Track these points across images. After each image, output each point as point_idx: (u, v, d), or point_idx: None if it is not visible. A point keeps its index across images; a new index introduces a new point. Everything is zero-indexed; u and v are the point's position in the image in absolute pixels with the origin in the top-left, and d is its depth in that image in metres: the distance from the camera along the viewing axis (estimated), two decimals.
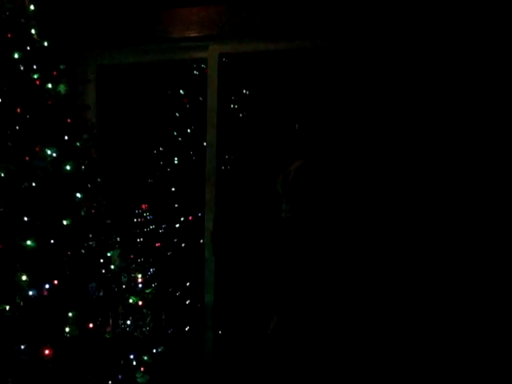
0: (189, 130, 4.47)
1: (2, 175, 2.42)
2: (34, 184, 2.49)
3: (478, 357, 2.98)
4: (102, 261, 2.75)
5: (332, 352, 2.76)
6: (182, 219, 4.44)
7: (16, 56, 2.60)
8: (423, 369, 3.06)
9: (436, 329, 3.06)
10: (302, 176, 2.78)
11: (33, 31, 2.73)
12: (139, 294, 2.93)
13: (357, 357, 2.88)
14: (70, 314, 2.41)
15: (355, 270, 2.90)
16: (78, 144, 2.79)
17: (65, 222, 2.55)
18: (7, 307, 2.27)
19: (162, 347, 2.95)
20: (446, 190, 3.04)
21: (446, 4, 3.02)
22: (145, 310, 2.93)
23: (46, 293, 2.38)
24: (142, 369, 2.72)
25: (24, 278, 2.32)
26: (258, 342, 2.97)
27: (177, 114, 4.46)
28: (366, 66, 3.19)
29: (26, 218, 2.43)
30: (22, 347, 2.21)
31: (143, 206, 4.41)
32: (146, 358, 2.79)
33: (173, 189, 4.49)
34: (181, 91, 4.45)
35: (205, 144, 3.71)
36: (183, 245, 4.40)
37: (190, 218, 4.41)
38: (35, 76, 2.66)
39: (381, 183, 3.12)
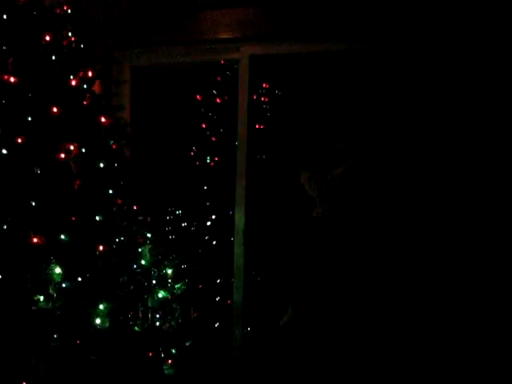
0: (221, 130, 4.53)
1: (39, 172, 2.52)
2: (69, 181, 2.58)
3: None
4: (132, 256, 2.82)
5: (342, 347, 2.81)
6: (213, 217, 4.51)
7: (53, 57, 2.70)
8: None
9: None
10: (344, 183, 2.87)
11: (69, 33, 2.83)
12: (169, 289, 2.99)
13: (366, 352, 2.91)
14: (101, 307, 2.50)
15: (372, 271, 2.93)
16: (111, 142, 2.88)
17: (97, 218, 2.64)
18: (41, 298, 2.37)
19: (189, 341, 3.02)
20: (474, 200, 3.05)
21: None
22: (174, 305, 3.00)
23: (78, 285, 2.47)
24: (169, 361, 2.80)
25: (58, 270, 2.42)
26: (271, 334, 3.03)
27: (209, 114, 4.53)
28: (399, 71, 3.20)
29: (61, 213, 2.52)
30: (55, 336, 2.31)
31: (175, 204, 4.49)
32: (173, 351, 2.86)
33: (204, 187, 4.55)
34: (213, 91, 4.52)
35: (236, 143, 3.78)
36: (214, 242, 4.47)
37: (221, 216, 4.48)
38: (71, 77, 2.75)
39: (411, 192, 3.13)
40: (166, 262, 3.08)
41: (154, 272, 2.94)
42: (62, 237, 2.48)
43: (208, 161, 4.58)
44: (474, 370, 2.99)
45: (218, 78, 4.45)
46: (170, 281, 3.03)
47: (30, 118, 2.54)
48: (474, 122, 3.06)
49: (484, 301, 3.02)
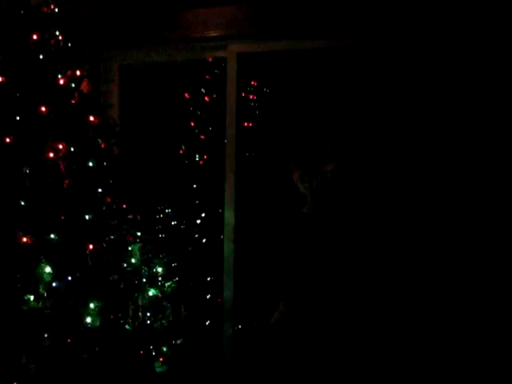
0: (209, 128, 4.53)
1: (28, 171, 2.51)
2: (57, 180, 2.58)
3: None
4: (123, 254, 2.82)
5: (333, 342, 2.83)
6: (203, 215, 4.51)
7: (41, 57, 2.69)
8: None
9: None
10: (335, 180, 2.90)
11: (57, 32, 2.82)
12: (159, 287, 3.00)
13: (358, 348, 2.93)
14: (92, 305, 2.50)
15: (364, 267, 2.95)
16: (100, 141, 2.87)
17: (87, 217, 2.64)
18: (31, 297, 2.37)
19: (181, 339, 3.03)
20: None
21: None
22: (164, 303, 3.00)
23: (68, 284, 2.47)
24: (160, 359, 2.80)
25: (48, 269, 2.41)
26: (262, 331, 3.04)
27: (198, 112, 4.53)
28: (386, 68, 3.22)
29: (49, 212, 2.52)
30: (45, 335, 2.31)
31: (165, 202, 4.49)
32: (165, 349, 2.87)
33: (194, 185, 4.56)
34: (201, 89, 4.51)
35: (225, 141, 3.79)
36: (204, 240, 4.47)
37: (211, 214, 4.48)
38: (59, 76, 2.75)
39: (404, 189, 3.15)
40: (156, 261, 3.09)
41: (145, 270, 2.95)
42: (52, 236, 2.48)
43: (197, 159, 4.58)
44: (472, 370, 3.01)
45: (206, 76, 4.44)
46: (160, 279, 3.04)
47: (18, 118, 2.53)
48: (464, 119, 3.08)
49: (480, 298, 3.03)
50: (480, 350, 3.01)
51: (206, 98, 4.50)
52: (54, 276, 2.43)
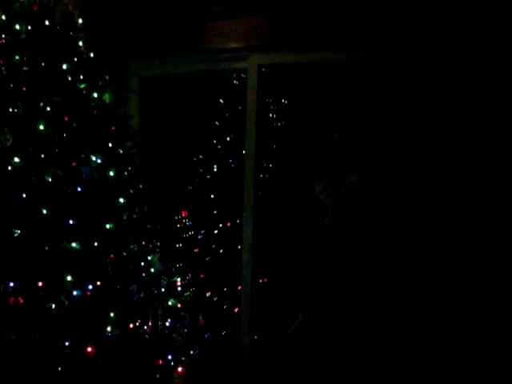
0: (228, 139, 4.55)
1: (50, 180, 2.54)
2: (79, 189, 2.60)
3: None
4: (142, 264, 2.83)
5: (352, 354, 2.81)
6: (221, 225, 4.52)
7: (64, 67, 2.73)
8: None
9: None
10: (358, 191, 2.89)
11: (80, 43, 2.87)
12: (178, 297, 3.01)
13: (374, 358, 2.91)
14: (112, 314, 2.51)
15: (384, 279, 2.93)
16: (121, 151, 2.90)
17: (108, 226, 2.66)
18: (53, 305, 2.38)
19: (199, 349, 3.03)
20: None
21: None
22: (183, 313, 3.01)
23: (89, 293, 2.49)
24: (179, 369, 2.80)
25: (69, 278, 2.43)
26: (280, 341, 3.04)
27: (216, 123, 4.55)
28: (406, 79, 3.22)
29: (71, 222, 2.54)
30: (67, 344, 2.32)
31: (183, 213, 4.51)
32: (183, 358, 2.87)
33: (212, 196, 4.57)
34: (221, 100, 4.54)
35: (244, 152, 3.80)
36: (221, 251, 4.48)
37: (228, 224, 4.49)
38: (82, 86, 2.78)
39: (421, 200, 3.14)
40: (174, 270, 3.09)
41: (164, 280, 2.96)
42: (73, 245, 2.50)
43: (216, 169, 4.60)
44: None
45: (227, 88, 4.47)
46: (178, 289, 3.05)
47: (41, 127, 2.56)
48: (480, 128, 3.07)
49: (489, 303, 3.02)
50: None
51: (226, 109, 4.52)
52: (75, 285, 2.45)
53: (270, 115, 4.31)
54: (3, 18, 2.68)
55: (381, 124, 3.24)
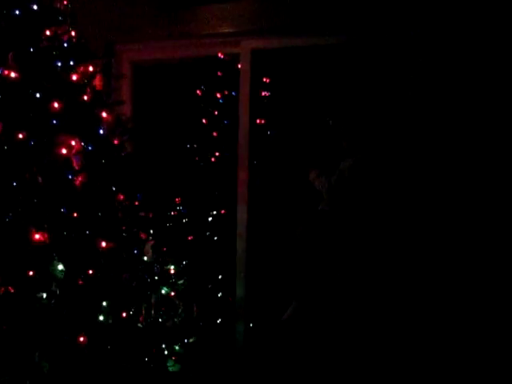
0: (222, 125, 4.51)
1: (40, 168, 2.50)
2: (70, 176, 2.56)
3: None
4: (135, 252, 2.80)
5: (345, 341, 2.81)
6: (215, 212, 4.50)
7: (54, 52, 2.68)
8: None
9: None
10: (353, 175, 2.87)
11: (70, 28, 2.81)
12: (171, 285, 2.98)
13: (370, 347, 2.90)
14: (104, 303, 2.48)
15: (378, 264, 2.92)
16: (112, 138, 2.86)
17: (99, 214, 2.62)
18: (44, 295, 2.35)
19: (193, 337, 3.01)
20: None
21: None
22: (177, 301, 2.99)
23: (81, 282, 2.46)
24: (173, 358, 2.78)
25: (60, 267, 2.40)
26: (274, 328, 3.03)
27: (210, 109, 4.51)
28: (395, 64, 3.19)
29: (62, 209, 2.50)
30: (58, 333, 2.29)
31: (177, 200, 4.48)
32: (177, 347, 2.85)
33: (206, 182, 4.54)
34: (214, 86, 4.49)
35: (238, 139, 3.76)
36: (215, 238, 4.45)
37: (223, 211, 4.46)
38: (72, 72, 2.73)
39: (416, 185, 3.13)
40: (168, 258, 3.07)
41: (157, 268, 2.93)
42: (65, 233, 2.46)
43: (210, 156, 4.56)
44: (475, 371, 2.98)
45: (219, 73, 4.42)
46: (172, 277, 3.02)
47: (30, 114, 2.51)
48: (468, 112, 3.06)
49: (487, 300, 3.01)
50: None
51: (219, 95, 4.47)
52: (67, 273, 2.41)
53: (264, 101, 4.27)
54: None
55: (374, 110, 3.21)
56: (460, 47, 3.07)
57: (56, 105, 2.57)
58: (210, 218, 4.49)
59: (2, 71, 2.50)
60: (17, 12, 2.63)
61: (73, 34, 2.82)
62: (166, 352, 2.78)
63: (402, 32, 3.17)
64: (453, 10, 3.07)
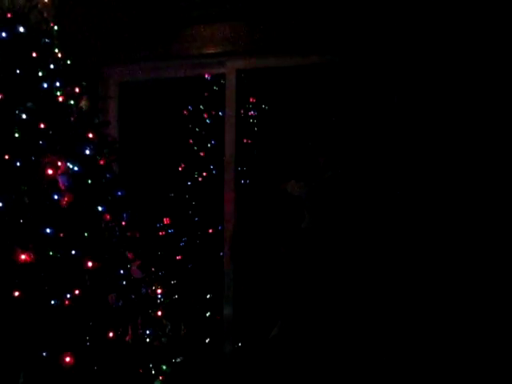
0: (208, 145, 4.54)
1: (26, 188, 2.50)
2: (56, 197, 2.56)
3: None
4: (122, 272, 2.80)
5: (330, 357, 2.81)
6: (202, 232, 4.50)
7: (40, 74, 2.70)
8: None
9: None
10: (333, 183, 2.91)
11: (56, 50, 2.83)
12: (158, 304, 2.98)
13: (355, 363, 2.91)
14: (90, 323, 2.47)
15: (361, 281, 2.94)
16: (99, 158, 2.87)
17: (86, 234, 2.62)
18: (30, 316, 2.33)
19: (180, 357, 2.99)
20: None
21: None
22: (164, 321, 2.98)
23: (67, 302, 2.45)
24: (160, 378, 2.77)
25: (46, 287, 2.39)
26: (260, 346, 3.03)
27: (196, 129, 4.54)
28: (377, 81, 3.24)
29: (48, 230, 2.50)
30: (44, 354, 2.27)
31: (165, 220, 4.48)
32: (164, 367, 2.83)
33: (193, 202, 4.55)
34: (200, 106, 4.53)
35: (224, 158, 3.78)
36: (203, 257, 4.45)
37: (210, 230, 4.47)
38: (58, 93, 2.75)
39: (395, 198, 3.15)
40: (155, 278, 3.06)
41: (144, 288, 2.92)
42: (51, 253, 2.46)
43: (196, 176, 4.58)
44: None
45: (205, 93, 4.46)
46: (159, 297, 3.02)
47: (16, 135, 2.52)
48: (452, 134, 3.11)
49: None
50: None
51: (205, 115, 4.51)
52: (53, 294, 2.40)
53: (250, 120, 4.31)
54: None
55: (354, 127, 3.25)
56: (441, 69, 3.13)
57: (42, 125, 2.59)
58: (198, 238, 4.49)
59: None
60: (3, 34, 2.66)
61: (59, 55, 2.85)
62: (153, 371, 2.76)
63: (384, 52, 3.23)
64: (433, 34, 3.14)
